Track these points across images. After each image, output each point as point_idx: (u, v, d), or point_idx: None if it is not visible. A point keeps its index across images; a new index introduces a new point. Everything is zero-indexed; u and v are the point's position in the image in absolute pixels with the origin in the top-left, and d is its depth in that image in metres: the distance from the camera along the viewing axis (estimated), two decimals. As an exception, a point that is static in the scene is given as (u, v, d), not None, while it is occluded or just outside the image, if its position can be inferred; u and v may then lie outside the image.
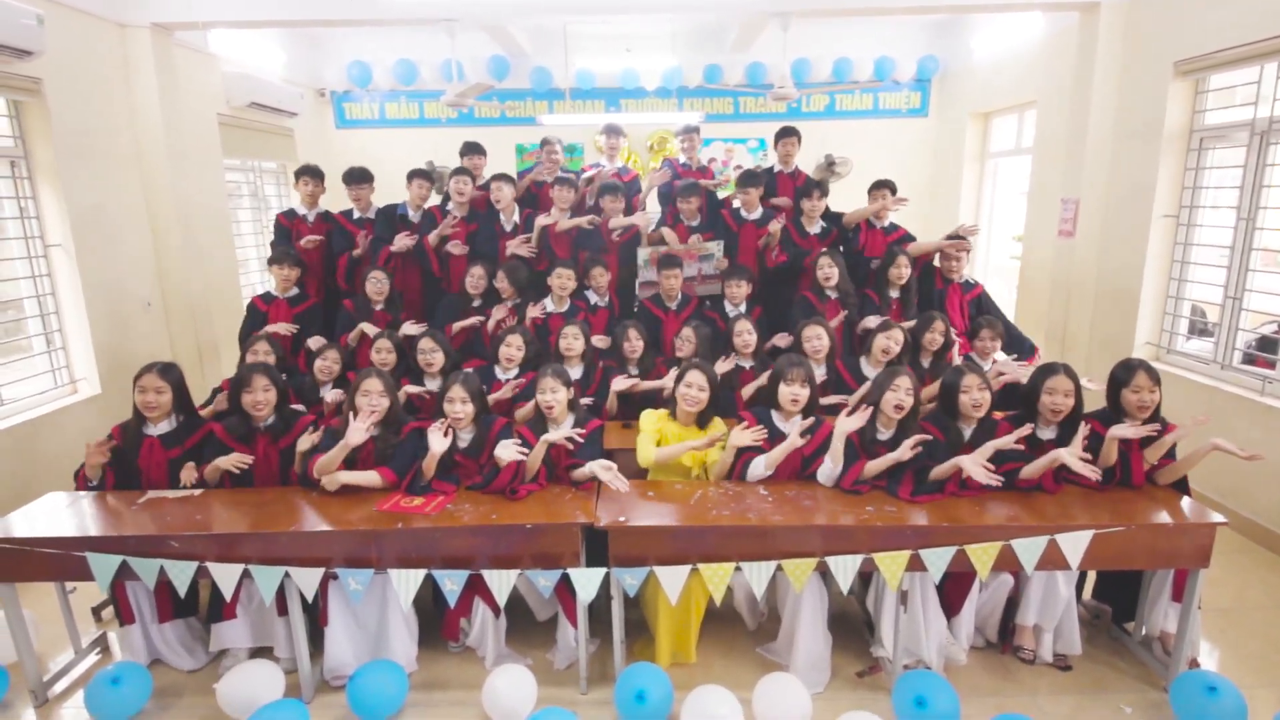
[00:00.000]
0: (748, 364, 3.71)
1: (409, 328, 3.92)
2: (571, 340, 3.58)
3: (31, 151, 4.01)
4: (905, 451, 2.63)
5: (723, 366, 3.55)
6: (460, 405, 2.81)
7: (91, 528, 2.57)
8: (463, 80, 5.24)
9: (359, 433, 2.68)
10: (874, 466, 2.71)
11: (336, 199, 4.90)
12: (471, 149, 4.91)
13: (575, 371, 3.57)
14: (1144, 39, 4.37)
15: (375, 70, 6.99)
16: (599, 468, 2.68)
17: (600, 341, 3.86)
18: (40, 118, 3.97)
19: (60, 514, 2.68)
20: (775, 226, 4.34)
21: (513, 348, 3.51)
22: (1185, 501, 2.64)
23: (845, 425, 2.71)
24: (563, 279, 4.02)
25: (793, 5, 4.76)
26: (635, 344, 3.69)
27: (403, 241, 4.32)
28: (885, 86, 7.25)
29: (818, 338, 3.53)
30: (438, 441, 2.68)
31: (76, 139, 4.15)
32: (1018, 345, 4.03)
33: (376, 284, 4.06)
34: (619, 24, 6.84)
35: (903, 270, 4.07)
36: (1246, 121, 3.81)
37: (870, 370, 3.59)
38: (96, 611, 3.13)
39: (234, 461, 2.74)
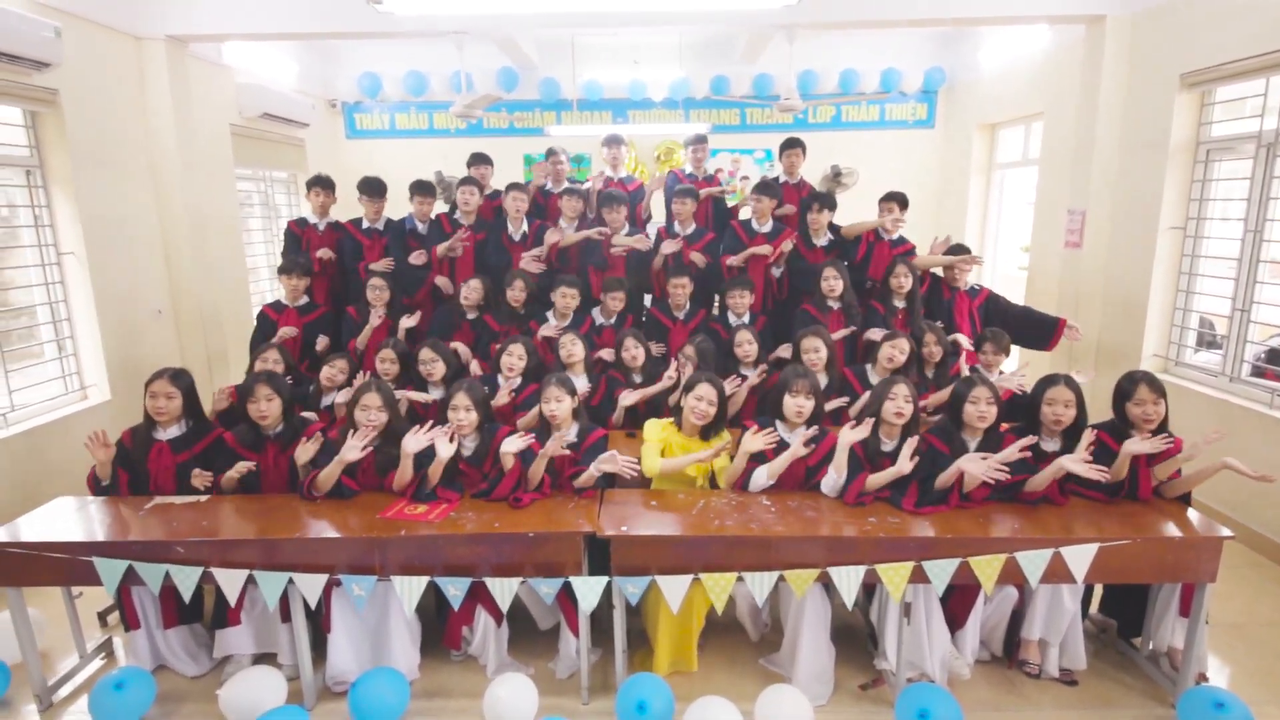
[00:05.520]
0: (749, 374, 3.70)
1: (404, 321, 3.99)
2: (571, 347, 3.59)
3: (46, 161, 4.07)
4: (905, 463, 2.62)
5: (730, 386, 3.52)
6: (464, 413, 2.82)
7: (98, 533, 2.60)
8: (471, 91, 5.28)
9: (355, 450, 2.70)
10: (876, 480, 2.70)
11: (345, 209, 4.94)
12: (478, 159, 4.96)
13: (579, 382, 3.57)
14: (1150, 51, 4.37)
15: (385, 81, 7.06)
16: (602, 461, 2.69)
17: (606, 354, 3.87)
18: (56, 128, 4.04)
19: (68, 519, 2.71)
20: (787, 246, 4.35)
21: (514, 357, 3.52)
22: (1192, 515, 2.62)
23: (849, 437, 2.71)
24: (567, 298, 4.03)
25: (800, 17, 4.79)
26: (635, 352, 3.68)
27: (418, 259, 4.39)
28: (891, 98, 7.27)
29: (815, 350, 3.52)
30: (444, 447, 2.70)
31: (91, 149, 4.21)
32: (1038, 328, 4.13)
33: (377, 291, 4.10)
34: (627, 35, 6.90)
35: (902, 280, 4.06)
36: (1253, 134, 3.80)
37: (876, 379, 3.59)
38: (102, 616, 3.15)
39: (239, 469, 2.80)
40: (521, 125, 7.35)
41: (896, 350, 3.51)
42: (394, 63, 7.05)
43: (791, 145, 4.83)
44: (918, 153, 7.40)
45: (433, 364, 3.47)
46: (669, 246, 4.35)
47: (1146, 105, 4.39)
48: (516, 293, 4.13)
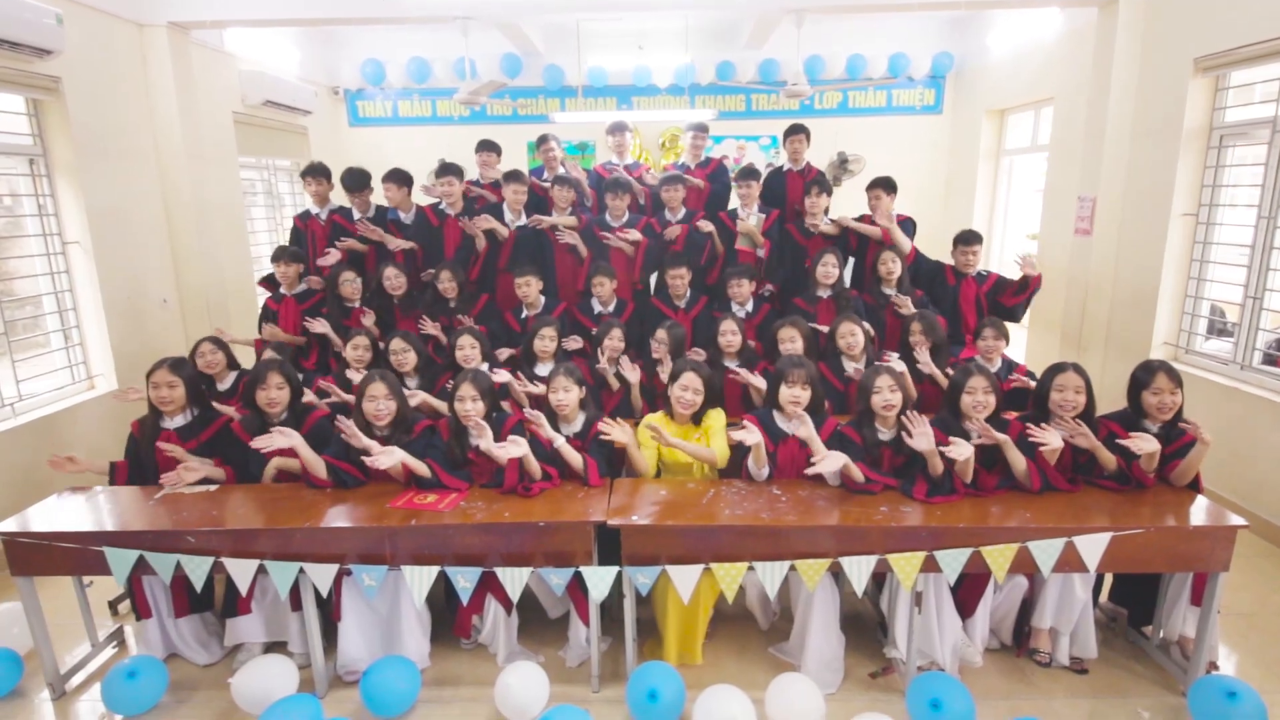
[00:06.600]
0: (733, 364, 3.66)
1: (364, 319, 4.01)
2: (548, 342, 3.58)
3: (50, 150, 4.05)
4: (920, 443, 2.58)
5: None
6: (471, 404, 2.81)
7: (108, 522, 2.60)
8: (475, 78, 5.23)
9: (280, 438, 2.69)
10: (853, 469, 2.66)
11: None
12: (486, 146, 4.91)
13: (546, 370, 3.53)
14: (1163, 35, 4.31)
15: (389, 68, 7.01)
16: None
17: (571, 342, 3.82)
18: (59, 116, 4.01)
19: (78, 509, 2.71)
20: (704, 219, 4.39)
21: (466, 349, 3.49)
22: (1205, 504, 2.60)
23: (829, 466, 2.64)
24: (522, 288, 4.01)
25: (807, 1, 4.73)
26: (615, 343, 3.64)
27: (397, 243, 4.37)
28: (899, 83, 7.20)
29: (791, 340, 3.49)
30: (378, 456, 2.64)
31: (94, 137, 4.19)
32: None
33: (350, 284, 4.10)
34: (632, 21, 6.83)
35: (890, 265, 4.04)
36: (1268, 119, 3.75)
37: (850, 366, 3.59)
38: (113, 605, 3.17)
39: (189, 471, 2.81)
40: (526, 112, 7.29)
41: (850, 335, 3.52)
42: (397, 49, 6.99)
43: (795, 131, 4.76)
44: (926, 138, 7.34)
45: (403, 353, 3.45)
46: (613, 240, 4.31)
47: (1159, 90, 4.34)
48: (444, 284, 4.09)
